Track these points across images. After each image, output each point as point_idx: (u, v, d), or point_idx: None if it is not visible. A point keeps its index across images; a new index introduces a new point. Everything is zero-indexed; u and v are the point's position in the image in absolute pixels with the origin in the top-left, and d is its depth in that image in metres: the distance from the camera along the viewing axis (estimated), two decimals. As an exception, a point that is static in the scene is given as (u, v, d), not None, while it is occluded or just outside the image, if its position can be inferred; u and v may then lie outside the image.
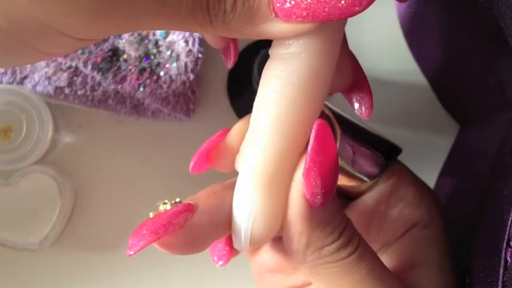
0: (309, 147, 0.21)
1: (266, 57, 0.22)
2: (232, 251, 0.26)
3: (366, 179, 0.27)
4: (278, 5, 0.20)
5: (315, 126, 0.21)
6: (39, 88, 0.37)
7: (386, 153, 0.28)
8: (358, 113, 0.26)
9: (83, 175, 0.40)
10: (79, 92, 0.38)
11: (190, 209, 0.22)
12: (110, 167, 0.40)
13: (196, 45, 0.38)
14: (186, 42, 0.38)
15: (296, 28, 0.20)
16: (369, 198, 0.28)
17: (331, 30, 0.21)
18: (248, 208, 0.21)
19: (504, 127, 0.31)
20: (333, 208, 0.22)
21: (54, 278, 0.40)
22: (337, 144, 0.26)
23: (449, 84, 0.40)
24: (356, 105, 0.26)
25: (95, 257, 0.40)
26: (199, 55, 0.38)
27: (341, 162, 0.26)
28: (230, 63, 0.28)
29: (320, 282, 0.23)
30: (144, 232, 0.21)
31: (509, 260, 0.23)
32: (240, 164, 0.22)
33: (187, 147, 0.41)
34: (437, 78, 0.40)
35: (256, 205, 0.21)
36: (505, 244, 0.23)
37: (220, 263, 0.26)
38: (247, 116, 0.23)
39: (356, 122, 0.28)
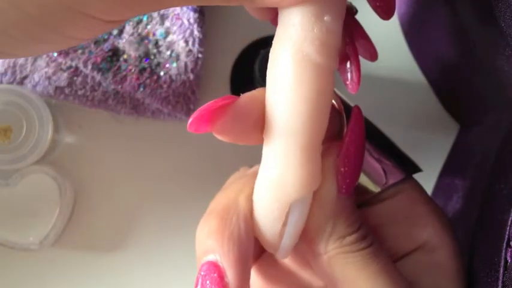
0: (348, 130, 0.21)
1: (266, 57, 0.22)
2: None
3: (373, 186, 0.26)
4: None
5: (354, 110, 0.22)
6: (39, 88, 0.37)
7: (404, 168, 0.27)
8: (346, 85, 0.25)
9: (83, 175, 0.40)
10: (79, 92, 0.38)
11: (232, 97, 0.21)
12: (110, 167, 0.40)
13: (196, 45, 0.38)
14: (186, 42, 0.38)
15: None
16: (374, 210, 0.27)
17: None
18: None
19: (504, 127, 0.31)
20: (354, 202, 0.23)
21: (54, 278, 0.39)
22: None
23: (450, 84, 0.40)
24: (346, 77, 0.25)
25: (95, 257, 0.40)
26: (199, 55, 0.38)
27: None
28: (354, 88, 0.24)
29: (338, 273, 0.23)
30: (201, 118, 0.21)
31: (509, 260, 0.23)
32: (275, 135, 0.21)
33: (187, 147, 0.42)
34: (437, 78, 0.40)
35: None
36: (505, 244, 0.23)
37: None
38: (260, 89, 0.22)
39: (380, 130, 0.28)
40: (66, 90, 0.38)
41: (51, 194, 0.38)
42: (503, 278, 0.23)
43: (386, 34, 0.41)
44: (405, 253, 0.26)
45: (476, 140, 0.37)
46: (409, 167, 0.27)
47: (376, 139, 0.27)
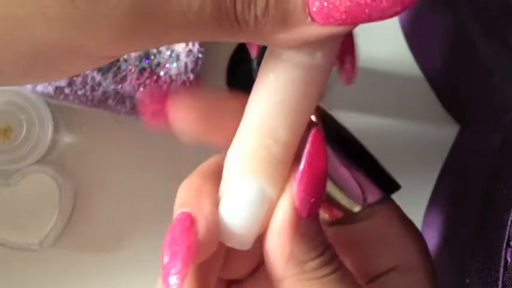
0: (306, 151, 0.20)
1: (265, 49, 0.22)
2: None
3: (350, 206, 0.26)
4: (315, 9, 0.18)
5: (312, 132, 0.21)
6: (39, 88, 0.37)
7: (383, 187, 0.27)
8: (340, 78, 0.24)
9: (83, 175, 0.40)
10: (79, 92, 0.38)
11: (191, 221, 0.21)
12: (110, 167, 0.40)
13: (196, 45, 0.38)
14: (186, 42, 0.38)
15: (332, 30, 0.19)
16: (347, 229, 0.26)
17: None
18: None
19: (504, 127, 0.31)
20: (317, 225, 0.22)
21: (54, 278, 0.39)
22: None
23: (450, 84, 0.40)
24: (341, 68, 0.24)
25: (95, 257, 0.40)
26: (199, 55, 0.38)
27: (328, 182, 0.25)
28: (349, 81, 0.24)
29: None
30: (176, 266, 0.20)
31: (509, 260, 0.23)
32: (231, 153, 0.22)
33: (187, 147, 0.41)
34: (438, 78, 0.40)
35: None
36: (505, 244, 0.23)
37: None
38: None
39: (361, 143, 0.27)
40: (66, 90, 0.38)
41: (51, 194, 0.38)
42: (503, 278, 0.23)
43: (386, 34, 0.41)
44: (380, 273, 0.26)
45: (476, 140, 0.37)
46: (388, 184, 0.27)
47: (356, 154, 0.26)
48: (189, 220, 0.21)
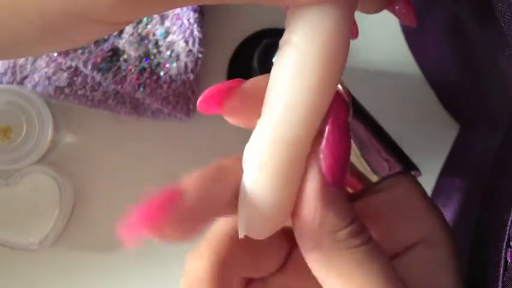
0: (329, 121, 0.21)
1: (266, 48, 0.22)
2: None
3: (372, 176, 0.26)
4: None
5: (336, 94, 0.21)
6: (39, 88, 0.37)
7: (402, 163, 0.27)
8: (404, 23, 0.25)
9: (83, 175, 0.40)
10: (79, 92, 0.38)
11: (177, 193, 0.21)
12: (110, 167, 0.40)
13: (196, 45, 0.38)
14: (186, 42, 0.38)
15: None
16: (371, 201, 0.26)
17: None
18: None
19: (504, 127, 0.31)
20: (345, 194, 0.22)
21: (54, 278, 0.39)
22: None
23: (450, 84, 0.40)
24: (399, 17, 0.25)
25: (95, 257, 0.40)
26: (199, 55, 0.38)
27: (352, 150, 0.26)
28: (413, 22, 0.25)
29: (335, 272, 0.22)
30: (135, 223, 0.20)
31: (509, 260, 0.23)
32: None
33: (188, 147, 0.42)
34: (438, 78, 0.40)
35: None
36: (505, 244, 0.23)
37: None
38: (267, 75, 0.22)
39: (380, 125, 0.27)
40: (66, 90, 0.38)
41: (51, 194, 0.38)
42: (503, 278, 0.23)
43: (386, 34, 0.41)
44: (404, 248, 0.26)
45: (476, 139, 0.37)
46: (407, 163, 0.27)
47: (378, 134, 0.27)
48: (176, 191, 0.21)
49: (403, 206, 0.26)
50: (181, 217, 0.20)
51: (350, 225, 0.21)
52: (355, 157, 0.26)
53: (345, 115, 0.21)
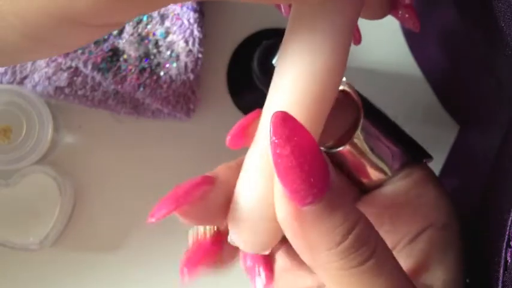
0: (269, 140, 0.19)
1: (266, 48, 0.22)
2: (271, 274, 0.26)
3: (386, 169, 0.26)
4: None
5: (272, 116, 0.19)
6: (39, 88, 0.37)
7: (413, 153, 0.27)
8: (408, 27, 0.26)
9: (83, 175, 0.40)
10: (79, 92, 0.38)
11: (210, 181, 0.22)
12: (110, 167, 0.40)
13: (196, 45, 0.38)
14: (186, 42, 0.38)
15: None
16: (385, 191, 0.27)
17: None
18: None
19: (504, 127, 0.31)
20: (333, 202, 0.19)
21: (54, 278, 0.40)
22: (359, 128, 0.26)
23: (449, 84, 0.40)
24: (402, 22, 0.26)
25: (95, 257, 0.40)
26: (199, 55, 0.38)
27: (363, 148, 0.26)
28: (417, 26, 0.26)
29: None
30: (166, 201, 0.21)
31: (509, 260, 0.23)
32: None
33: (188, 147, 0.42)
34: (438, 78, 0.40)
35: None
36: (505, 244, 0.23)
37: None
38: None
39: (387, 116, 0.28)
40: (66, 90, 0.38)
41: (51, 194, 0.38)
42: (503, 278, 0.23)
43: (386, 34, 0.41)
44: (416, 232, 0.26)
45: (476, 140, 0.37)
46: (419, 153, 0.28)
47: (385, 125, 0.27)
48: (209, 179, 0.22)
49: (417, 193, 0.26)
50: (206, 205, 0.22)
51: (345, 240, 0.19)
52: (369, 155, 0.27)
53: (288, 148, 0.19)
